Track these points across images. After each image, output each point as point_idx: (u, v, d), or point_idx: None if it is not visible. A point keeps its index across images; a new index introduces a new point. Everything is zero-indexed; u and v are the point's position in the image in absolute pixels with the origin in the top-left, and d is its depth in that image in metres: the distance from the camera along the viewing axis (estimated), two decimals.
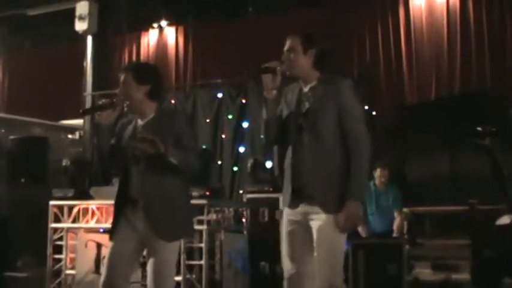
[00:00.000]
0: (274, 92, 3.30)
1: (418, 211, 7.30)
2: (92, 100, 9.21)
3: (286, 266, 3.30)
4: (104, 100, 3.60)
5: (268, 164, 6.71)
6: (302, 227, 3.25)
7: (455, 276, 6.35)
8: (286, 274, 3.31)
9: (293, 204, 3.28)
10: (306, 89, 3.35)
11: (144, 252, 3.55)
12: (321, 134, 3.24)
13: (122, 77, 3.52)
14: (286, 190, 3.33)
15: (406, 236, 6.60)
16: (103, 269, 3.53)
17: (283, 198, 3.42)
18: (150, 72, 3.63)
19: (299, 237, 3.26)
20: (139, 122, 3.59)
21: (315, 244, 3.20)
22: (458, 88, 7.99)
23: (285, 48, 3.34)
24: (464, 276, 6.27)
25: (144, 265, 5.52)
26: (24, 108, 9.82)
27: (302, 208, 3.25)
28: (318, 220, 3.19)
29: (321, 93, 3.29)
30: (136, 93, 3.50)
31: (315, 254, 3.21)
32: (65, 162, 7.11)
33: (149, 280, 3.44)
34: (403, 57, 8.42)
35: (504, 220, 6.15)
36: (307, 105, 3.30)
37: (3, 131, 7.90)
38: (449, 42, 8.11)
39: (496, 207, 6.45)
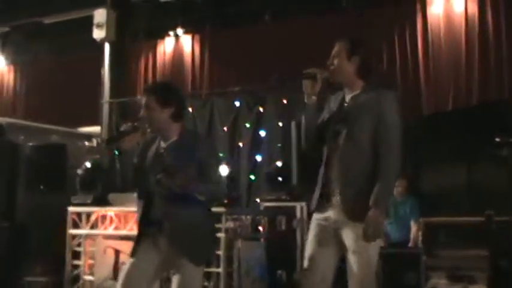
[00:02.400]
0: (314, 98, 3.30)
1: (434, 221, 7.28)
2: (109, 107, 9.26)
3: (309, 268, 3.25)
4: (126, 125, 3.55)
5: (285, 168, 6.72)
6: (328, 232, 3.24)
7: (471, 287, 6.33)
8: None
9: (321, 209, 3.28)
10: (348, 97, 3.34)
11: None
12: (357, 140, 3.21)
13: (145, 100, 3.46)
14: (316, 194, 3.32)
15: (421, 246, 6.60)
16: (117, 284, 3.45)
17: (312, 203, 3.38)
18: (173, 94, 3.57)
19: (323, 241, 3.24)
20: (162, 143, 3.52)
21: (348, 253, 3.17)
22: (476, 98, 7.94)
23: (332, 53, 3.33)
24: (480, 287, 6.24)
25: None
26: (42, 116, 9.87)
27: (331, 214, 3.24)
28: (347, 226, 3.17)
29: (362, 100, 3.27)
30: (159, 117, 3.44)
31: (349, 261, 3.18)
32: (83, 169, 7.14)
33: None
34: (420, 67, 8.38)
35: None
36: (346, 111, 3.29)
37: (22, 137, 7.94)
38: (468, 51, 8.07)
39: None
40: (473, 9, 8.14)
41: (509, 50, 7.82)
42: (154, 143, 3.54)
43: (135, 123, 3.50)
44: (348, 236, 3.17)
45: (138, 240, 3.45)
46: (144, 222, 3.45)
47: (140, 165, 3.53)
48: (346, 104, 3.32)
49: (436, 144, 7.84)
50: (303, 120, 3.38)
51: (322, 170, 3.31)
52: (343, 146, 3.22)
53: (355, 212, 3.14)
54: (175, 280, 3.41)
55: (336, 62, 3.30)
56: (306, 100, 3.32)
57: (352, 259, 3.15)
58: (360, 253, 3.14)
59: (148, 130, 3.53)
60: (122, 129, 3.57)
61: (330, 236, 3.23)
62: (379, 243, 3.24)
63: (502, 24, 7.91)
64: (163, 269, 3.48)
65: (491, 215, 6.30)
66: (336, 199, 3.22)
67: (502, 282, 5.94)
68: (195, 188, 3.33)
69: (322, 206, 3.28)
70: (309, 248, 3.28)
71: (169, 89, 3.66)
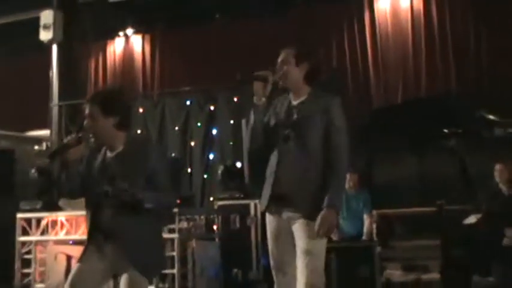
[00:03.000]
0: (263, 99, 3.39)
1: (387, 214, 7.38)
2: (58, 110, 9.10)
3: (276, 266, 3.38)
4: (69, 137, 3.42)
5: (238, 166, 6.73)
6: (284, 231, 3.35)
7: (425, 276, 6.43)
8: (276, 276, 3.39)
9: (272, 210, 3.39)
10: (295, 102, 3.46)
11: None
12: (307, 145, 3.35)
13: (88, 109, 3.36)
14: (265, 196, 3.42)
15: (376, 239, 6.67)
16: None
17: (261, 203, 3.48)
18: (117, 103, 3.48)
19: (283, 240, 3.36)
20: (109, 153, 3.44)
21: (297, 248, 3.29)
22: (425, 91, 8.09)
23: (279, 59, 3.45)
24: (434, 276, 6.35)
25: (115, 277, 5.47)
26: None
27: (284, 214, 3.35)
28: (299, 225, 3.29)
29: (310, 107, 3.40)
30: (103, 126, 3.36)
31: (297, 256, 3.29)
32: (32, 174, 6.99)
33: None
34: (369, 61, 8.50)
35: (471, 219, 6.26)
36: (295, 117, 3.40)
37: None
38: (415, 45, 8.23)
39: (463, 207, 6.57)
40: (419, 4, 8.30)
41: (454, 43, 7.99)
42: (99, 152, 3.44)
43: (79, 135, 3.38)
44: (299, 235, 3.27)
45: (85, 247, 3.39)
46: (92, 230, 3.38)
47: (86, 175, 3.40)
48: (294, 109, 3.42)
49: (386, 137, 7.94)
50: (251, 121, 3.45)
51: (271, 171, 3.41)
52: (295, 150, 3.35)
53: (309, 211, 3.26)
54: (123, 280, 3.31)
55: (285, 67, 3.42)
56: (255, 101, 3.39)
57: (301, 257, 3.24)
58: (309, 251, 3.24)
59: (92, 140, 3.41)
60: (65, 141, 3.44)
61: (286, 233, 3.34)
62: (325, 240, 3.34)
63: (447, 18, 8.09)
64: (110, 274, 3.39)
65: (442, 205, 6.42)
66: (289, 199, 3.31)
67: (455, 270, 6.06)
68: (144, 197, 3.26)
69: (273, 208, 3.39)
70: (274, 251, 3.40)
71: (112, 98, 3.55)
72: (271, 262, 3.41)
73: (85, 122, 3.38)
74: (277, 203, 3.38)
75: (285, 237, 3.36)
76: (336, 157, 3.32)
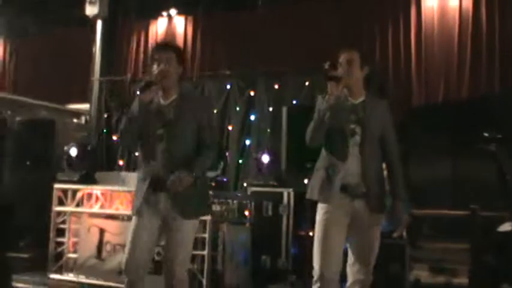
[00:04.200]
0: (333, 98, 3.58)
1: (419, 213, 7.30)
2: (99, 85, 9.19)
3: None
4: (148, 77, 3.65)
5: (265, 158, 6.74)
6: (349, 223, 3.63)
7: (453, 280, 6.37)
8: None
9: (344, 200, 3.60)
10: (356, 102, 3.72)
11: None
12: (372, 141, 3.65)
13: (165, 55, 3.62)
14: (329, 187, 3.62)
15: (406, 237, 6.62)
16: (126, 248, 3.68)
17: (323, 194, 3.65)
18: (183, 55, 3.88)
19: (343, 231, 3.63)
20: (162, 101, 3.68)
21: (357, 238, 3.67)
22: (467, 92, 7.98)
23: (345, 58, 3.69)
24: (462, 280, 6.29)
25: None
26: (31, 91, 9.76)
27: (356, 203, 3.61)
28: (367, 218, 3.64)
29: (371, 107, 3.71)
30: (175, 73, 3.66)
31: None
32: (70, 147, 7.07)
33: (169, 251, 3.62)
34: (413, 58, 8.40)
35: (506, 227, 6.16)
36: (361, 114, 3.67)
37: (9, 112, 7.86)
38: (460, 45, 8.09)
39: (498, 214, 6.46)
40: (468, 3, 8.15)
41: (501, 46, 7.85)
42: (152, 102, 3.64)
43: (154, 78, 3.59)
44: (368, 229, 3.66)
45: (138, 200, 3.64)
46: (143, 180, 3.64)
47: (143, 120, 3.60)
48: (358, 108, 3.69)
49: (424, 136, 7.85)
50: (321, 116, 3.61)
51: (334, 162, 3.63)
52: (361, 144, 3.63)
53: (379, 205, 3.68)
54: (169, 239, 3.63)
55: (350, 68, 3.68)
56: (329, 100, 3.57)
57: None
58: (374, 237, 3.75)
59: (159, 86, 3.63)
60: (146, 80, 3.62)
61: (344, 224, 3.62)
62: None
63: (496, 20, 7.93)
64: (161, 225, 3.63)
65: (476, 209, 6.34)
66: (360, 192, 3.60)
67: (484, 277, 5.99)
68: (196, 172, 3.57)
69: (341, 199, 3.61)
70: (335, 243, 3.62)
71: (181, 50, 3.94)
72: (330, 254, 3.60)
73: (161, 66, 3.60)
74: (352, 193, 3.61)
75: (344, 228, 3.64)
76: (395, 155, 3.74)
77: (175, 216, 3.57)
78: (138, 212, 3.62)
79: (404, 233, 6.73)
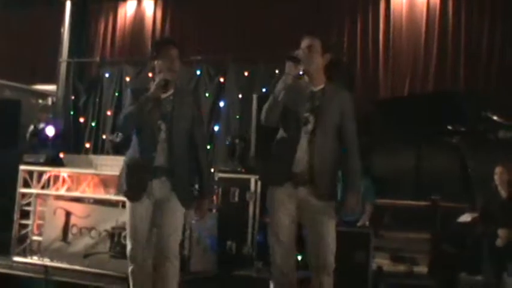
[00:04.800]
0: (290, 77, 3.60)
1: (381, 203, 7.44)
2: (66, 67, 9.07)
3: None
4: (166, 75, 3.74)
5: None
6: (297, 208, 3.64)
7: (414, 269, 6.52)
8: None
9: (289, 186, 3.62)
10: (316, 89, 3.70)
11: None
12: (325, 130, 3.63)
13: (176, 52, 3.81)
14: (280, 171, 3.63)
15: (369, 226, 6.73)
16: (128, 236, 3.86)
17: (274, 178, 3.69)
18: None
19: (294, 217, 3.65)
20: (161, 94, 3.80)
21: (307, 225, 3.66)
22: (432, 86, 8.13)
23: (306, 44, 3.67)
24: (422, 269, 6.44)
25: (112, 236, 5.64)
26: None
27: (300, 191, 3.62)
28: (314, 205, 3.61)
29: (330, 95, 3.69)
30: (177, 69, 3.84)
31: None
32: (37, 127, 6.98)
33: (164, 229, 3.76)
34: (380, 51, 8.50)
35: (465, 218, 6.34)
36: (317, 102, 3.65)
37: None
38: (427, 40, 8.23)
39: (458, 205, 6.64)
40: None
41: (467, 41, 8.00)
42: (147, 91, 3.78)
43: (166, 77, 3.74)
44: (316, 216, 3.61)
45: (133, 186, 3.78)
46: (138, 167, 3.77)
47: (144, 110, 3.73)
48: (316, 95, 3.68)
49: (389, 128, 7.97)
50: (276, 96, 3.64)
51: (288, 147, 3.64)
52: (317, 134, 3.62)
53: (326, 194, 3.64)
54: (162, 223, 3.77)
55: (310, 54, 3.66)
56: (286, 80, 3.60)
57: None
58: (325, 226, 3.66)
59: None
60: (165, 76, 3.75)
61: (297, 210, 3.65)
62: None
63: (462, 16, 8.08)
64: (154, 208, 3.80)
65: (437, 200, 6.49)
66: (306, 178, 3.61)
67: (444, 266, 6.15)
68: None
69: (291, 184, 3.63)
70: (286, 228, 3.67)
71: None
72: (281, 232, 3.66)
73: (174, 63, 3.79)
74: (296, 181, 3.62)
75: (296, 214, 3.68)
76: (352, 144, 3.69)
77: (171, 198, 3.74)
78: (132, 198, 3.79)
79: (367, 223, 6.88)
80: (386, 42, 8.48)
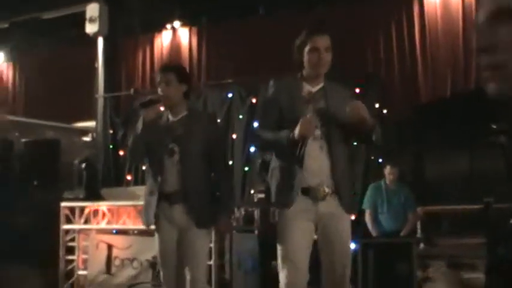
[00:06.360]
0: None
1: (434, 210, 7.20)
2: (103, 102, 9.24)
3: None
4: (152, 96, 3.78)
5: None
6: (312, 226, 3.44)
7: (470, 275, 6.25)
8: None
9: (308, 204, 3.38)
10: (314, 89, 3.47)
11: None
12: (336, 139, 3.42)
13: (163, 76, 3.80)
14: (293, 190, 3.35)
15: (421, 235, 6.52)
16: (160, 265, 3.92)
17: (289, 198, 3.41)
18: (187, 74, 4.06)
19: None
20: (171, 117, 3.85)
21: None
22: (474, 84, 7.85)
23: (324, 45, 3.39)
24: (479, 275, 6.16)
25: (154, 265, 5.64)
26: (39, 112, 9.86)
27: (319, 207, 3.37)
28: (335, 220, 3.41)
29: (334, 98, 3.46)
30: (177, 92, 3.79)
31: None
32: (77, 165, 7.13)
33: (188, 262, 3.74)
34: (418, 54, 8.31)
35: None
36: (322, 104, 3.44)
37: (16, 134, 7.94)
38: (465, 37, 7.98)
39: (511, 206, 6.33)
40: None
41: None
42: (161, 118, 3.86)
43: (155, 97, 3.78)
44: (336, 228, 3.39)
45: (152, 216, 3.78)
46: (154, 196, 3.77)
47: (150, 137, 3.77)
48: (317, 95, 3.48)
49: (434, 132, 7.73)
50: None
51: (304, 165, 3.34)
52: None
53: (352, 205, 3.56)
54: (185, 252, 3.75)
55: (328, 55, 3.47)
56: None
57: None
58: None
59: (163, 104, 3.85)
60: (150, 97, 3.81)
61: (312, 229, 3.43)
62: None
63: None
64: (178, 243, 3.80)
65: (490, 203, 6.22)
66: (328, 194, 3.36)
67: (500, 270, 5.85)
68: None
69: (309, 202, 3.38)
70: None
71: (184, 68, 4.17)
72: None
73: (160, 88, 3.79)
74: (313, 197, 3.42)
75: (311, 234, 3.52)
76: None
77: (191, 226, 3.70)
78: (156, 228, 3.82)
79: (419, 231, 6.65)
80: (423, 46, 8.27)
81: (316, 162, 3.34)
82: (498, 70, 1.21)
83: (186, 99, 3.89)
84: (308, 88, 3.44)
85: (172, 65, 4.27)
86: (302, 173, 3.32)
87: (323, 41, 3.40)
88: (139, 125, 3.76)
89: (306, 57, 3.43)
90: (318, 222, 3.39)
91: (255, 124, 8.01)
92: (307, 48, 3.42)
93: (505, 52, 1.19)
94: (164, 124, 3.85)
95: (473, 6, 7.98)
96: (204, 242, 3.84)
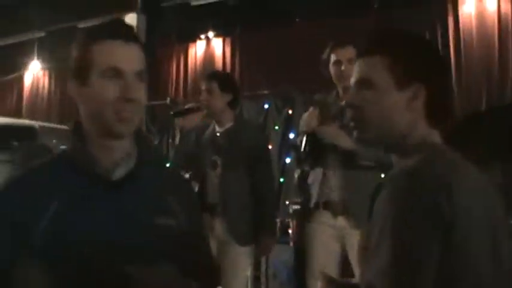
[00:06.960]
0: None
1: None
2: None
3: None
4: (191, 105, 3.74)
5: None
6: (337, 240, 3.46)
7: None
8: None
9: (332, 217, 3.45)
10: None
11: None
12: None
13: (205, 85, 3.71)
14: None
15: None
16: None
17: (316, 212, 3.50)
18: (232, 82, 3.90)
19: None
20: (217, 128, 3.75)
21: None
22: (511, 97, 7.78)
23: (347, 57, 3.45)
24: None
25: None
26: (73, 119, 9.94)
27: (339, 221, 3.42)
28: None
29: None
30: (219, 102, 3.70)
31: None
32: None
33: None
34: (452, 66, 8.25)
35: None
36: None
37: (54, 141, 8.03)
38: (501, 50, 7.91)
39: None
40: (507, 8, 7.96)
41: None
42: (207, 129, 3.79)
43: (197, 105, 3.82)
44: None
45: None
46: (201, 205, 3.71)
47: (195, 148, 3.77)
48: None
49: (470, 146, 7.66)
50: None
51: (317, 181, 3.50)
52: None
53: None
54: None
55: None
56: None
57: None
58: None
59: (205, 114, 3.88)
60: (187, 106, 3.76)
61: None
62: None
63: None
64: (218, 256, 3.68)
65: None
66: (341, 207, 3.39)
67: None
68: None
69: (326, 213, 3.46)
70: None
71: (228, 77, 4.04)
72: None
73: (201, 96, 3.73)
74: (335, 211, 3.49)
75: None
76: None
77: (230, 241, 3.61)
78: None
79: None
80: (457, 57, 8.21)
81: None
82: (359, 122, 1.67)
83: (232, 109, 3.79)
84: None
85: (216, 73, 4.13)
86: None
87: (346, 53, 3.38)
88: (177, 135, 3.80)
89: (331, 71, 3.43)
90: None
91: (291, 135, 8.15)
92: (331, 62, 3.43)
93: (363, 110, 1.65)
94: (209, 135, 3.76)
95: (510, 17, 7.92)
96: (244, 259, 3.75)
